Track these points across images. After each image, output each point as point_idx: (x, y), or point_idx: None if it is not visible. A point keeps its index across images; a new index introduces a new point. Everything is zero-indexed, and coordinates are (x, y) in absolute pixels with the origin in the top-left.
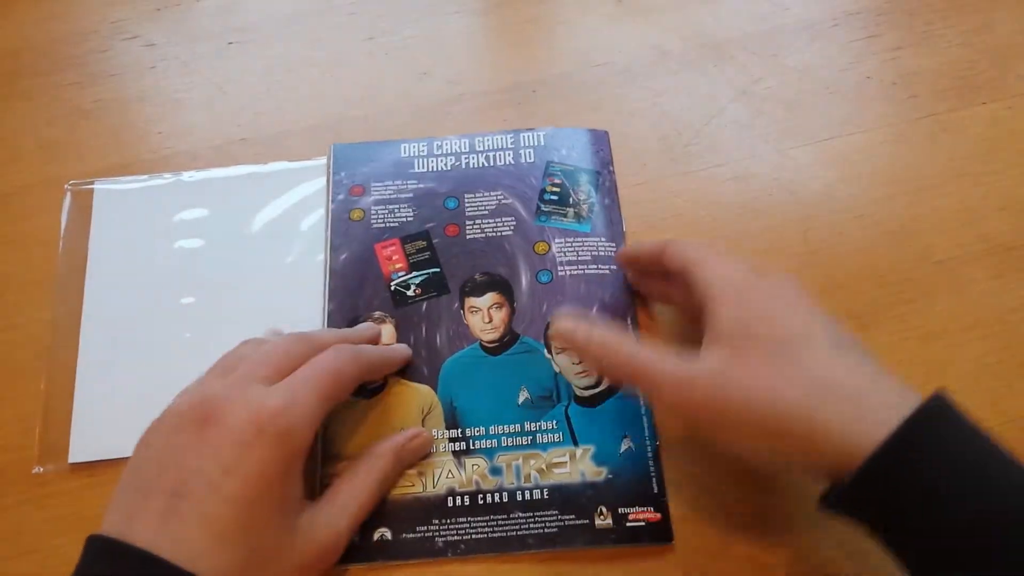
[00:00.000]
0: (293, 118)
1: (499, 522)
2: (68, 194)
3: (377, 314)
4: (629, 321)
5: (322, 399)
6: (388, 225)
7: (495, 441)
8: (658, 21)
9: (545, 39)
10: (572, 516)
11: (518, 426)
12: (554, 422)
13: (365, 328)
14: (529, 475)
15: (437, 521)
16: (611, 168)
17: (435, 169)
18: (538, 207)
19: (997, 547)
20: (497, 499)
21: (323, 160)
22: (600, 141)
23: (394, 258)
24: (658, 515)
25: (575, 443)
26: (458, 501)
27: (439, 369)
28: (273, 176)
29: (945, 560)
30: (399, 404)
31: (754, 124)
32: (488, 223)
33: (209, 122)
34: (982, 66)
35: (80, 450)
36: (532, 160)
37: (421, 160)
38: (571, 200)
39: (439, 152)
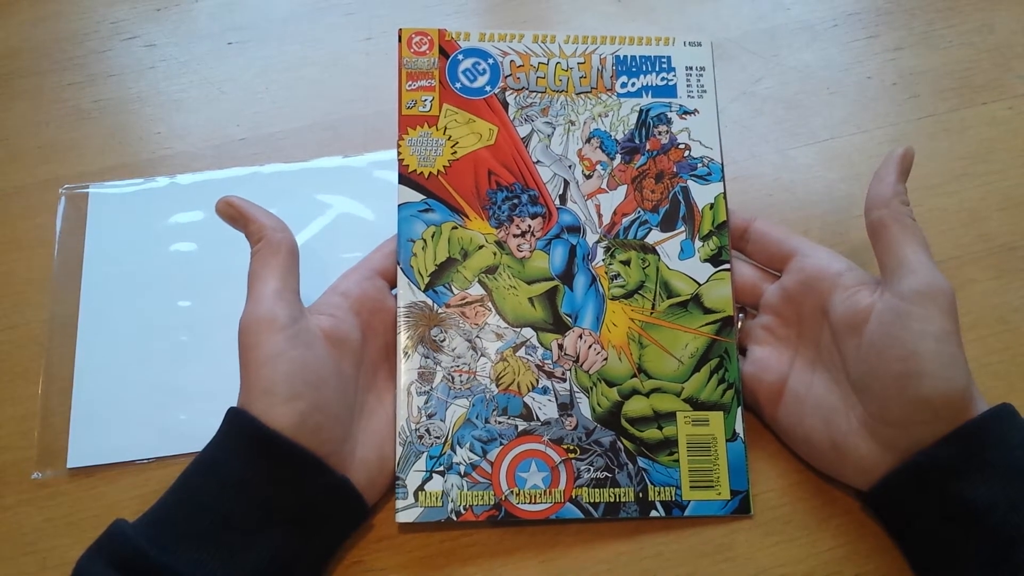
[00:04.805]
0: (292, 118)
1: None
2: (63, 198)
3: None
4: None
5: (261, 279)
6: None
7: None
8: (658, 21)
9: None
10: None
11: None
12: None
13: None
14: None
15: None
16: None
17: None
18: None
19: None
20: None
21: (319, 162)
22: None
23: None
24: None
25: None
26: None
27: None
28: (271, 178)
29: None
30: None
31: (754, 124)
32: None
33: (208, 122)
34: (982, 66)
35: (79, 455)
36: None
37: None
38: None
39: None
